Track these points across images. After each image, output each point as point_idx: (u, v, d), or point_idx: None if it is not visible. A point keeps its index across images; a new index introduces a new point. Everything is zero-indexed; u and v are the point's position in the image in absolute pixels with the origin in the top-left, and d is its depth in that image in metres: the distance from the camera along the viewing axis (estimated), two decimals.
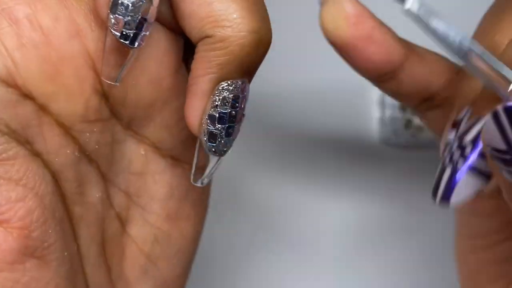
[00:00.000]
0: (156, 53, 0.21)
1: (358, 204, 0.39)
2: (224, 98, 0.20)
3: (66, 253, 0.21)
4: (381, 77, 0.23)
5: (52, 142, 0.20)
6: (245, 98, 0.20)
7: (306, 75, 0.39)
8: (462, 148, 0.20)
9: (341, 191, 0.39)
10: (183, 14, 0.19)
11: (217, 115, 0.20)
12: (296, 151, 0.39)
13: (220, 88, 0.20)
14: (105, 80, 0.20)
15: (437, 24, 0.19)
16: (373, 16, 0.22)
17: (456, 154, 0.20)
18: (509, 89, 0.19)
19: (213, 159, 0.22)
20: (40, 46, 0.19)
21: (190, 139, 0.22)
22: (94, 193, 0.22)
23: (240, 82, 0.20)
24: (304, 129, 0.39)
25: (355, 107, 0.40)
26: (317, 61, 0.39)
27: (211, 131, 0.20)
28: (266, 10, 0.20)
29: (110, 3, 0.19)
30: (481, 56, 0.19)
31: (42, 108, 0.20)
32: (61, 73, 0.19)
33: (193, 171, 0.22)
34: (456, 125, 0.21)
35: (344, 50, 0.23)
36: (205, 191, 0.25)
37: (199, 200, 0.24)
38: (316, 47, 0.39)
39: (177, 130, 0.22)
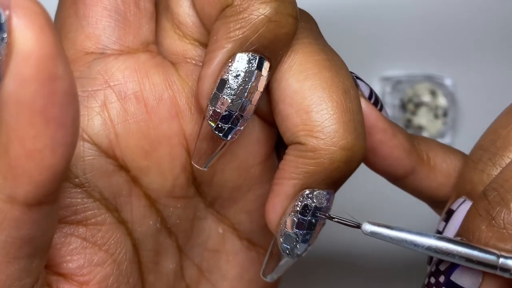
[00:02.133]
0: (247, 142, 0.21)
1: (357, 204, 0.39)
2: (306, 205, 0.20)
3: None
4: (387, 178, 0.23)
5: (137, 212, 0.21)
6: (328, 208, 0.20)
7: None
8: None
9: (340, 192, 0.39)
10: (280, 114, 0.19)
11: (296, 220, 0.20)
12: None
13: (304, 194, 0.20)
14: (195, 164, 0.20)
15: (392, 234, 0.20)
16: (386, 128, 0.22)
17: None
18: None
19: (285, 258, 0.21)
20: (141, 123, 0.20)
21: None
22: (169, 263, 0.22)
23: (324, 193, 0.20)
24: None
25: None
26: None
27: (287, 233, 0.20)
28: (363, 125, 0.20)
29: (211, 96, 0.19)
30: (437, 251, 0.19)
31: (134, 180, 0.20)
32: (157, 150, 0.20)
33: (264, 265, 0.22)
34: (448, 214, 0.21)
35: None
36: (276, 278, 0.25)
37: (268, 286, 0.24)
38: None
39: (257, 215, 0.23)
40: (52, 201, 0.17)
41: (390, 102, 0.41)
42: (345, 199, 0.39)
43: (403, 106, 0.41)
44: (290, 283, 0.34)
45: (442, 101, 0.41)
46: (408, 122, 0.41)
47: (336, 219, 0.20)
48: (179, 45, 0.20)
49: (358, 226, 0.20)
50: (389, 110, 0.41)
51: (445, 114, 0.41)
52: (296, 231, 0.20)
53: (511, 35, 0.41)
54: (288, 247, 0.20)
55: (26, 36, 0.14)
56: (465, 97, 0.41)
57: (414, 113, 0.41)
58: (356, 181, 0.33)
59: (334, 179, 0.20)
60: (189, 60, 0.20)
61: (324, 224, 0.20)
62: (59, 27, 0.20)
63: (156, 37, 0.21)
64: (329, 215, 0.20)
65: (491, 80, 0.41)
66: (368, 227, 0.19)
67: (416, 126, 0.41)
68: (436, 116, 0.41)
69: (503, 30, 0.41)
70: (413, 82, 0.41)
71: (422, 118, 0.41)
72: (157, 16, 0.21)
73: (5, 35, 0.14)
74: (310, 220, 0.20)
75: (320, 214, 0.20)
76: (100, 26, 0.20)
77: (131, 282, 0.21)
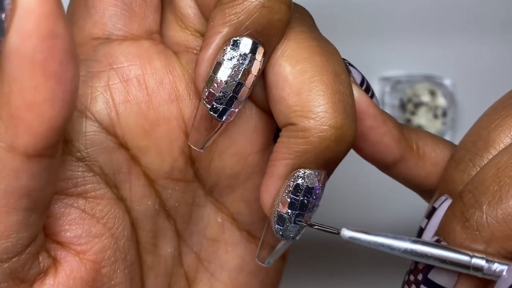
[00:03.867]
0: (245, 129, 0.22)
1: (357, 204, 0.39)
2: (297, 185, 0.20)
3: None
4: (377, 165, 0.24)
5: (136, 191, 0.21)
6: (319, 189, 0.20)
7: None
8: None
9: (339, 192, 0.39)
10: (274, 98, 0.20)
11: (289, 200, 0.20)
12: None
13: (295, 174, 0.20)
14: (191, 145, 0.21)
15: (369, 239, 0.20)
16: (376, 115, 0.22)
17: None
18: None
19: (281, 242, 0.22)
20: (142, 104, 0.20)
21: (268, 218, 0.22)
22: (167, 247, 0.23)
23: (315, 173, 0.20)
24: None
25: None
26: None
27: (280, 214, 0.20)
28: (353, 107, 0.20)
29: (207, 79, 0.20)
30: (421, 255, 0.20)
31: (134, 159, 0.21)
32: (156, 131, 0.21)
33: (259, 248, 0.22)
34: (431, 212, 0.22)
35: None
36: (277, 273, 0.25)
37: (269, 281, 0.25)
38: None
39: (256, 206, 0.23)
40: (50, 155, 0.17)
41: (390, 102, 0.41)
42: (344, 197, 0.39)
43: (402, 106, 0.41)
44: (290, 281, 0.35)
45: (441, 101, 0.41)
46: (408, 122, 0.41)
47: (316, 226, 0.21)
48: (181, 36, 0.21)
49: (338, 232, 0.20)
50: (388, 110, 0.41)
51: (444, 114, 0.41)
52: (289, 211, 0.20)
53: (511, 35, 0.41)
54: (281, 228, 0.21)
55: None
56: (465, 97, 0.41)
57: (413, 113, 0.41)
58: (354, 177, 0.33)
59: (325, 159, 0.20)
60: (190, 50, 0.21)
61: (317, 205, 0.21)
62: (70, 16, 0.21)
63: (161, 30, 0.22)
64: (310, 223, 0.21)
65: (491, 80, 0.41)
66: (346, 232, 0.20)
67: (416, 126, 0.41)
68: (435, 116, 0.41)
69: (503, 30, 0.41)
70: (412, 82, 0.41)
71: (422, 118, 0.41)
72: (162, 10, 0.22)
73: None
74: (302, 200, 0.20)
75: (300, 222, 0.21)
76: (106, 14, 0.21)
77: (128, 260, 0.21)
